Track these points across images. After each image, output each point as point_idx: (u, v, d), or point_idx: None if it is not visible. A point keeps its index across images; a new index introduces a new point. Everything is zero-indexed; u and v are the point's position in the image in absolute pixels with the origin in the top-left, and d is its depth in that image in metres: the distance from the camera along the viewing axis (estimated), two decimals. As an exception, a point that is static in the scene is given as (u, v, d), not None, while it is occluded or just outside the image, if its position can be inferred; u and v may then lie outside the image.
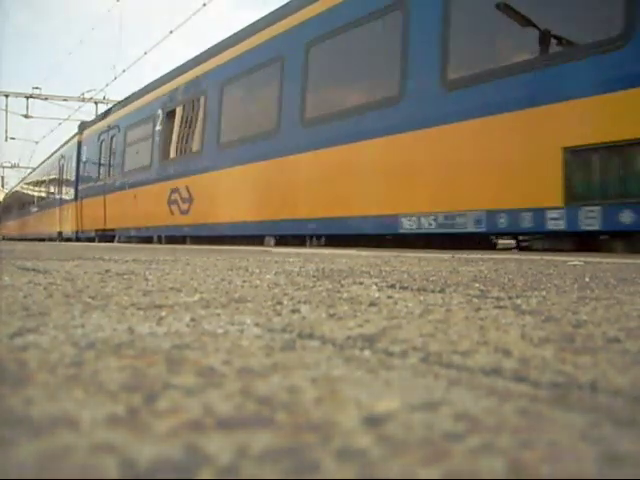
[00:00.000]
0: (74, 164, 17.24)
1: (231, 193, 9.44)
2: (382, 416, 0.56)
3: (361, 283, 2.02)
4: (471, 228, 5.68)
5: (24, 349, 0.87)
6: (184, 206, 10.82)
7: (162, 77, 12.70)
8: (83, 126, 17.37)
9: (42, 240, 19.42)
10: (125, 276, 2.32)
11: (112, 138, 14.66)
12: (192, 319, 1.18)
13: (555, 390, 0.66)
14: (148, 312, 1.28)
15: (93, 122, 17.04)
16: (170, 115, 11.67)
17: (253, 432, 0.51)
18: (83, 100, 30.09)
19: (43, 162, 22.97)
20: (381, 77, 6.98)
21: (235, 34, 9.91)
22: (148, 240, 12.68)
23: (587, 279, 2.17)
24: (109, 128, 14.96)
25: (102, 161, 15.25)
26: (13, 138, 43.37)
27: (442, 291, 1.75)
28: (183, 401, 0.61)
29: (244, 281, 2.10)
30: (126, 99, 14.78)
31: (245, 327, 1.09)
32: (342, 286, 1.91)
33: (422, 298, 1.57)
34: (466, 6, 5.95)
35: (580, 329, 1.08)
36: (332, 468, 0.44)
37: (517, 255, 4.34)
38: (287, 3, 8.61)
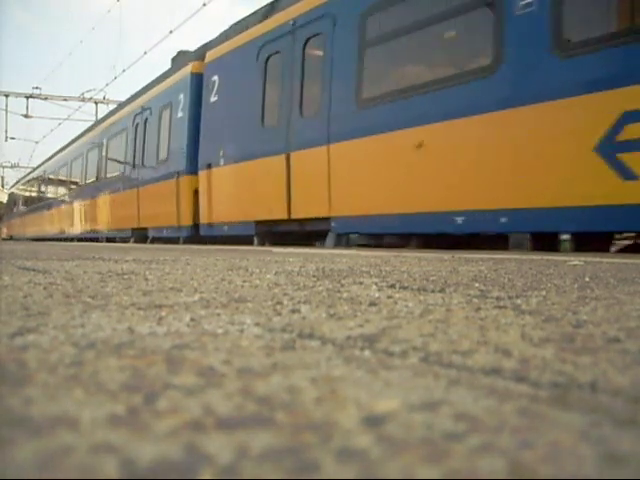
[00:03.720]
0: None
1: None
2: (382, 416, 0.56)
3: (361, 283, 2.02)
4: None
5: (24, 349, 0.87)
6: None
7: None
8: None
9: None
10: (125, 276, 2.32)
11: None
12: (192, 319, 1.18)
13: (555, 390, 0.66)
14: (148, 312, 1.28)
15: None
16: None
17: (253, 432, 0.51)
18: (83, 100, 30.10)
19: None
20: None
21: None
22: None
23: (587, 279, 2.17)
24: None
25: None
26: (13, 138, 43.39)
27: (442, 291, 1.75)
28: (183, 401, 0.61)
29: (244, 281, 2.10)
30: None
31: (245, 327, 1.09)
32: (342, 286, 1.91)
33: (422, 298, 1.57)
34: None
35: (580, 329, 1.08)
36: (332, 468, 0.44)
37: (517, 255, 4.34)
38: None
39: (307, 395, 0.63)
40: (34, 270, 2.71)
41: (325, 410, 0.58)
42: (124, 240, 14.06)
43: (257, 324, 1.12)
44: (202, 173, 10.05)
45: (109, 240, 15.30)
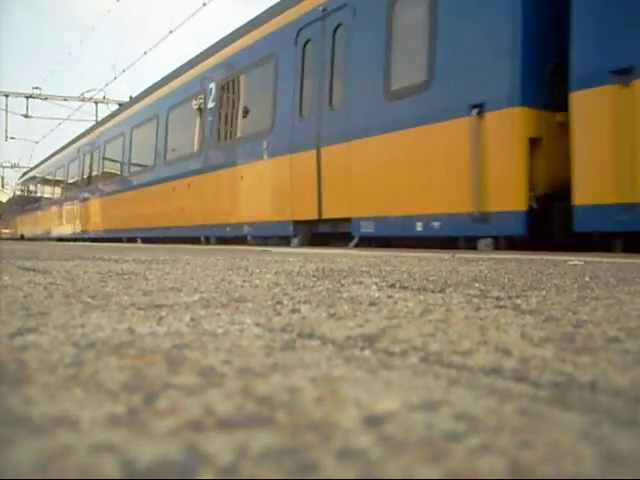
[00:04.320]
0: None
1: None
2: (382, 416, 0.56)
3: (361, 283, 2.02)
4: None
5: (24, 349, 0.87)
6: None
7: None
8: None
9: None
10: (125, 276, 2.32)
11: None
12: (192, 319, 1.18)
13: (555, 390, 0.66)
14: (148, 312, 1.28)
15: None
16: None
17: (253, 432, 0.51)
18: (83, 100, 30.12)
19: None
20: None
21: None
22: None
23: (587, 279, 2.17)
24: None
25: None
26: (13, 138, 43.44)
27: (442, 291, 1.75)
28: (183, 401, 0.61)
29: (244, 281, 2.10)
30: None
31: (245, 327, 1.09)
32: (342, 286, 1.91)
33: (422, 298, 1.57)
34: None
35: (580, 329, 1.08)
36: (332, 468, 0.44)
37: (517, 255, 4.34)
38: None
39: (307, 395, 0.63)
40: (34, 270, 2.71)
41: (325, 410, 0.58)
42: (265, 241, 8.72)
43: (257, 324, 1.12)
44: (590, 93, 4.60)
45: (222, 241, 9.76)
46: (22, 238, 26.66)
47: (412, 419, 0.55)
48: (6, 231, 33.70)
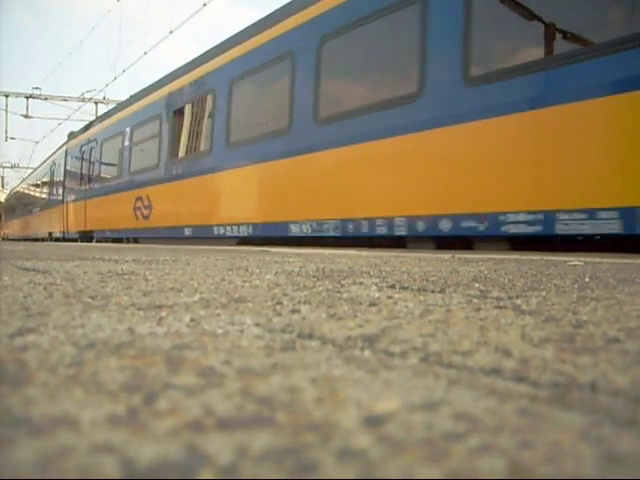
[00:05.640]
0: None
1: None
2: (382, 416, 0.56)
3: (361, 283, 2.02)
4: None
5: (24, 349, 0.87)
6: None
7: None
8: None
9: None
10: (125, 276, 2.32)
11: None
12: (192, 319, 1.18)
13: (555, 390, 0.66)
14: (148, 312, 1.28)
15: None
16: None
17: (253, 432, 0.51)
18: (83, 100, 30.15)
19: None
20: None
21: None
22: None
23: (587, 279, 2.17)
24: None
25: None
26: (13, 138, 43.55)
27: (442, 291, 1.75)
28: (183, 401, 0.61)
29: (244, 281, 2.10)
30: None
31: (245, 327, 1.09)
32: (342, 286, 1.91)
33: (422, 298, 1.57)
34: None
35: (580, 329, 1.08)
36: (332, 468, 0.44)
37: (517, 255, 4.33)
38: None
39: (307, 395, 0.63)
40: (34, 270, 2.71)
41: (325, 410, 0.58)
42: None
43: (257, 324, 1.12)
44: None
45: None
46: (90, 239, 15.25)
47: (412, 419, 0.55)
48: (8, 231, 30.05)
